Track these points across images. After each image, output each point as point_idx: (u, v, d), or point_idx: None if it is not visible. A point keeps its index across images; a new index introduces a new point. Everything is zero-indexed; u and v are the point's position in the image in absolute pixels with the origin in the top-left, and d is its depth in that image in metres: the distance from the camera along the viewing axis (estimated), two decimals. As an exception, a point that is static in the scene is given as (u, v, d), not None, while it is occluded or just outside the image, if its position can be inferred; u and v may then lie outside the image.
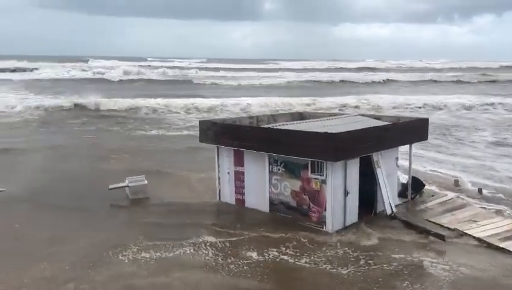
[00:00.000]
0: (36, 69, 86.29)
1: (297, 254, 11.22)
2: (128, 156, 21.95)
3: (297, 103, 42.51)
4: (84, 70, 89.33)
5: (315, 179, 12.88)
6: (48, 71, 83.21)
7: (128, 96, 44.44)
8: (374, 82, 77.17)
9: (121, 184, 15.45)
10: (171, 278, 9.99)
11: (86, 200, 15.24)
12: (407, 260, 10.96)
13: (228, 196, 15.11)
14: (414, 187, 15.42)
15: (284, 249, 11.45)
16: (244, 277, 10.16)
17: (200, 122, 15.32)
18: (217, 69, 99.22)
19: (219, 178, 15.20)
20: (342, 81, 78.06)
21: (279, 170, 13.65)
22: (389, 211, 13.52)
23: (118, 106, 39.05)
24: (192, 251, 11.46)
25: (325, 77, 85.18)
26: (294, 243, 11.81)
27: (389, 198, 13.61)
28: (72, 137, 27.61)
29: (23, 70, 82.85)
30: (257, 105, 41.36)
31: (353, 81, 77.60)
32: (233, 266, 10.67)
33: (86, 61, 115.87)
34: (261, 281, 9.96)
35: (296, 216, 13.45)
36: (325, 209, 12.84)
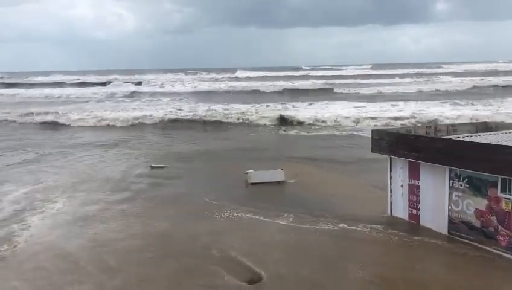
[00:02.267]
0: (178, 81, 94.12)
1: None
2: (282, 151, 26.65)
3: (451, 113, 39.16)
4: (231, 81, 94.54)
5: (506, 199, 11.89)
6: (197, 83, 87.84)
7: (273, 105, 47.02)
8: None
9: (248, 171, 19.38)
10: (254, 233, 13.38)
11: (229, 179, 19.72)
12: None
13: (401, 210, 14.65)
14: None
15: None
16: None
17: (373, 131, 15.17)
18: (377, 76, 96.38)
19: (391, 191, 14.83)
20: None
21: (461, 185, 12.89)
22: None
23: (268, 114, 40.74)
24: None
25: (497, 80, 77.32)
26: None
27: None
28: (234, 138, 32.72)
29: (182, 83, 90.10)
30: (407, 114, 38.99)
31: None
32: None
33: (234, 72, 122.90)
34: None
35: (479, 238, 12.53)
36: (518, 234, 11.75)
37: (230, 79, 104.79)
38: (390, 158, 14.72)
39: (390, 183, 14.89)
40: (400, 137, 14.52)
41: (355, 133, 32.37)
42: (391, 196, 14.90)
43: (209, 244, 12.39)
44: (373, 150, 15.10)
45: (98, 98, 66.17)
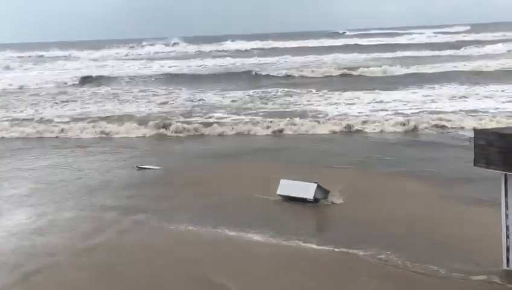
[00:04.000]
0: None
1: None
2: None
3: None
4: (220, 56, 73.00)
5: None
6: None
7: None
8: None
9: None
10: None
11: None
12: None
13: None
14: None
15: None
16: None
17: (477, 132, 9.99)
18: (475, 43, 71.40)
19: (508, 229, 9.91)
20: None
21: None
22: None
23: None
24: None
25: None
26: None
27: None
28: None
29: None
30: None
31: None
32: None
33: (222, 42, 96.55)
34: None
35: None
36: None
37: (207, 55, 77.27)
38: (506, 175, 9.72)
39: (507, 216, 9.86)
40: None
41: (427, 136, 23.70)
42: (508, 237, 9.88)
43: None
44: (477, 162, 10.11)
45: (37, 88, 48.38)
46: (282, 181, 14.90)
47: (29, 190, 17.19)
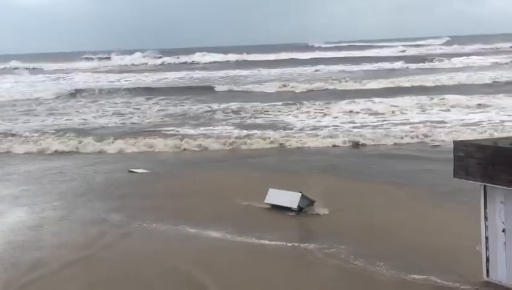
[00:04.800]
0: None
1: None
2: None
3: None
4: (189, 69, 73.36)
5: None
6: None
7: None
8: None
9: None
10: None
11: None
12: None
13: (503, 270, 9.83)
14: None
15: None
16: None
17: (457, 144, 10.10)
18: (450, 55, 73.61)
19: (487, 239, 10.04)
20: None
21: None
22: None
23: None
24: None
25: None
26: None
27: None
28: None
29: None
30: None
31: None
32: None
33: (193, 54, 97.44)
34: None
35: None
36: None
37: (180, 67, 78.20)
38: (485, 187, 9.85)
39: (486, 227, 10.00)
40: (501, 152, 9.45)
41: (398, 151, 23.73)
42: (487, 248, 10.02)
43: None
44: (456, 174, 10.30)
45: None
46: (271, 190, 15.41)
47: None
